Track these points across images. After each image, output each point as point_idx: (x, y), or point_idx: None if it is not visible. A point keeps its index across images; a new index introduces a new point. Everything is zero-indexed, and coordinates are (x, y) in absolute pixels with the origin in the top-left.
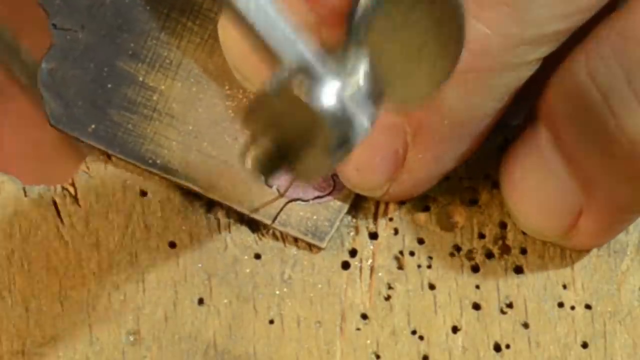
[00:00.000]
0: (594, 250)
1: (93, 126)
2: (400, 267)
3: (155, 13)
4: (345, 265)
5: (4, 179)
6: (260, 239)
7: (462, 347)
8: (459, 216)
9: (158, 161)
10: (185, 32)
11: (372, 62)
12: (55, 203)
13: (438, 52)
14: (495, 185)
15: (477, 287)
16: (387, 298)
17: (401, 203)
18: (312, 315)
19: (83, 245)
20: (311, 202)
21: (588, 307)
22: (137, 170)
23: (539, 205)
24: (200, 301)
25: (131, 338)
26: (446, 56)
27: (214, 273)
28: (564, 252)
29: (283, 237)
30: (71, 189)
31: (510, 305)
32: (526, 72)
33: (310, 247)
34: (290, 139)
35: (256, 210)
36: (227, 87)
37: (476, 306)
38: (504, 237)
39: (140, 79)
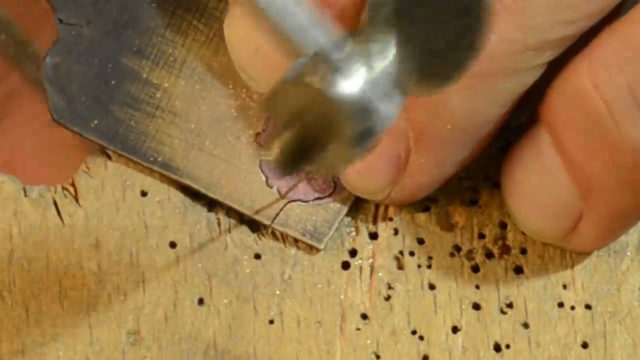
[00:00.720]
0: (594, 251)
1: (95, 122)
2: (400, 267)
3: (161, 10)
4: (345, 265)
5: (4, 179)
6: (260, 239)
7: (462, 347)
8: (459, 216)
9: (159, 159)
10: (190, 30)
11: (397, 47)
12: (55, 203)
13: (463, 34)
14: (495, 185)
15: (477, 287)
16: (387, 298)
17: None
18: (312, 315)
19: (83, 245)
20: (311, 203)
21: (588, 307)
22: (138, 169)
23: (538, 207)
24: (200, 301)
25: (131, 338)
26: (470, 40)
27: (214, 273)
28: (564, 252)
29: (283, 238)
30: (71, 189)
31: (510, 305)
32: (530, 78)
33: (311, 247)
34: (312, 129)
35: (258, 212)
36: (230, 86)
37: (476, 306)
38: (504, 237)
39: (144, 75)
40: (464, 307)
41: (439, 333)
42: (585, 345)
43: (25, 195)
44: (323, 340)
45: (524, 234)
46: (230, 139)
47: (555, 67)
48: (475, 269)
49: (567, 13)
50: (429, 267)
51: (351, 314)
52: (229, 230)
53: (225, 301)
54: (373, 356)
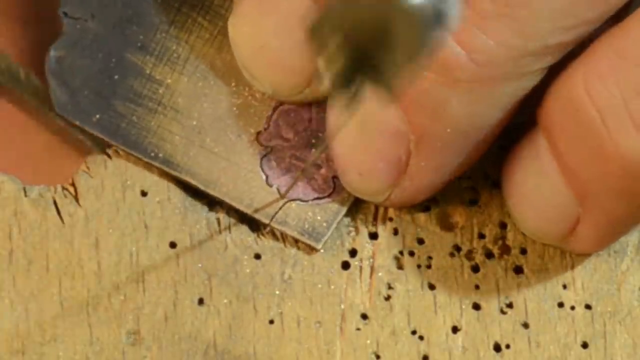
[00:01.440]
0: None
1: (97, 116)
2: (400, 267)
3: (166, 6)
4: (345, 265)
5: (4, 179)
6: (260, 238)
7: (462, 347)
8: (459, 216)
9: (160, 155)
10: (194, 27)
11: None
12: (55, 203)
13: None
14: (495, 185)
15: (477, 287)
16: (387, 298)
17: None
18: (312, 315)
19: (83, 245)
20: (310, 203)
21: (588, 307)
22: (138, 168)
23: (537, 209)
24: (200, 301)
25: (131, 338)
26: None
27: (214, 273)
28: (564, 252)
29: (283, 237)
30: (71, 189)
31: (510, 305)
32: (530, 82)
33: (310, 247)
34: (369, 45)
35: (257, 210)
36: (233, 85)
37: (476, 306)
38: (504, 237)
39: (148, 71)
40: (464, 307)
41: (439, 333)
42: (585, 345)
43: (25, 195)
44: (323, 340)
45: (524, 234)
46: (231, 137)
47: (556, 71)
48: (475, 269)
49: (566, 19)
50: (429, 267)
51: (351, 314)
52: (229, 230)
53: (225, 301)
54: (373, 356)
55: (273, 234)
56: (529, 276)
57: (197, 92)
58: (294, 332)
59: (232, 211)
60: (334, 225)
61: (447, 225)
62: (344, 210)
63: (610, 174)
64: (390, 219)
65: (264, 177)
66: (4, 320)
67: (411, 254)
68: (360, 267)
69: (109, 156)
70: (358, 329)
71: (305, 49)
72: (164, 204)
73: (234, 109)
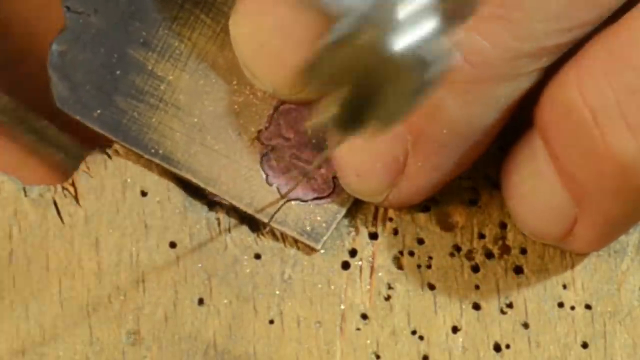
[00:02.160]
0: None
1: (99, 111)
2: (400, 267)
3: (169, 3)
4: (345, 265)
5: (4, 179)
6: (260, 239)
7: (462, 347)
8: (459, 216)
9: (160, 151)
10: (197, 24)
11: None
12: (55, 203)
13: None
14: (495, 185)
15: (477, 287)
16: (387, 298)
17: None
18: (312, 315)
19: (83, 245)
20: (310, 203)
21: (588, 307)
22: (138, 167)
23: (535, 211)
24: (200, 301)
25: (131, 338)
26: None
27: (214, 273)
28: (564, 252)
29: (283, 237)
30: (71, 189)
31: (510, 305)
32: (526, 83)
33: (310, 247)
34: (363, 89)
35: (260, 211)
36: (235, 83)
37: (476, 306)
38: (504, 237)
39: (150, 67)
40: (464, 307)
41: (439, 333)
42: (585, 345)
43: (25, 195)
44: (323, 340)
45: (524, 234)
46: (232, 135)
47: (553, 71)
48: (475, 269)
49: (563, 21)
50: (429, 267)
51: (351, 314)
52: (229, 230)
53: (225, 301)
54: (373, 356)
55: (273, 234)
56: (529, 276)
57: (198, 90)
58: (294, 332)
59: (232, 211)
60: (334, 226)
61: (447, 225)
62: (343, 210)
63: (604, 174)
64: (390, 219)
65: (264, 176)
66: (4, 320)
67: (411, 254)
68: (360, 267)
69: (108, 156)
70: (358, 329)
71: (307, 49)
72: (164, 204)
73: (235, 107)
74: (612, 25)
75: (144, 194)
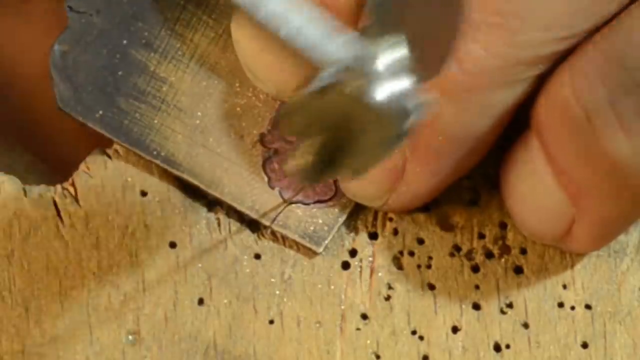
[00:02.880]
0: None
1: (100, 112)
2: (400, 267)
3: (172, 4)
4: (345, 265)
5: (4, 179)
6: (260, 239)
7: (462, 347)
8: (459, 216)
9: (162, 153)
10: (200, 26)
11: (403, 42)
12: (55, 203)
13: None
14: (495, 185)
15: (477, 287)
16: (387, 298)
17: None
18: (312, 315)
19: (83, 245)
20: (311, 206)
21: (588, 307)
22: (138, 168)
23: (533, 211)
24: (200, 301)
25: (131, 338)
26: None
27: (214, 273)
28: (564, 252)
29: (283, 238)
30: (71, 189)
31: (510, 305)
32: (522, 90)
33: (311, 250)
34: (338, 137)
35: (263, 215)
36: (237, 85)
37: (476, 306)
38: (504, 237)
39: (152, 68)
40: (464, 307)
41: (439, 333)
42: (585, 345)
43: (25, 195)
44: (323, 340)
45: (524, 234)
46: (234, 137)
47: (548, 74)
48: (475, 269)
49: (559, 31)
50: (429, 267)
51: (351, 314)
52: (229, 230)
53: (225, 301)
54: (373, 356)
55: (273, 234)
56: (529, 276)
57: (200, 91)
58: (294, 332)
59: (232, 211)
60: (335, 230)
61: (447, 225)
62: (345, 214)
63: (600, 174)
64: (390, 219)
65: (265, 179)
66: (4, 320)
67: (411, 254)
68: (360, 267)
69: (108, 156)
70: (358, 329)
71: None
72: (164, 204)
73: (238, 109)
74: (606, 26)
75: (144, 194)
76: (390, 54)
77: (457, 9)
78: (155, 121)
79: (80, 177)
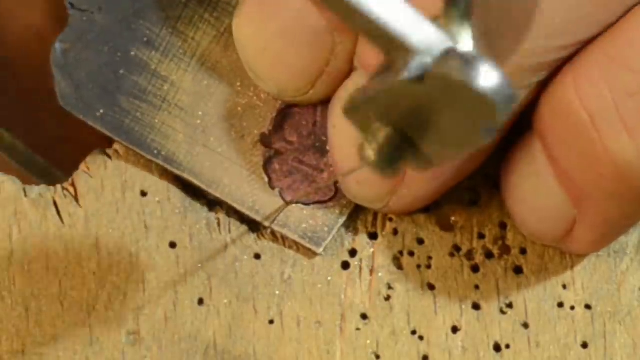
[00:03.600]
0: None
1: (102, 111)
2: (400, 267)
3: (173, 2)
4: (345, 265)
5: (4, 179)
6: (260, 239)
7: (462, 347)
8: (459, 216)
9: (163, 152)
10: (201, 24)
11: (473, 30)
12: (55, 203)
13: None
14: (495, 185)
15: (477, 287)
16: (387, 298)
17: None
18: (312, 315)
19: (83, 245)
20: (312, 206)
21: (588, 307)
22: (138, 168)
23: (533, 211)
24: (200, 301)
25: (131, 338)
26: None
27: (214, 273)
28: (564, 252)
29: (283, 238)
30: (71, 189)
31: (510, 305)
32: (524, 95)
33: (311, 251)
34: (418, 125)
35: (265, 218)
36: (238, 84)
37: (476, 306)
38: (504, 237)
39: (153, 67)
40: (464, 307)
41: (439, 333)
42: (585, 345)
43: (25, 195)
44: (323, 340)
45: (524, 234)
46: (235, 137)
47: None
48: (475, 269)
49: (562, 39)
50: (429, 267)
51: (351, 314)
52: (229, 230)
53: (225, 301)
54: (373, 356)
55: (273, 234)
56: (529, 276)
57: (202, 91)
58: (294, 332)
59: (232, 211)
60: (335, 230)
61: (447, 225)
62: (345, 215)
63: (603, 177)
64: (390, 220)
65: (266, 179)
66: (4, 320)
67: (411, 254)
68: (360, 267)
69: (109, 156)
70: (358, 329)
71: (310, 50)
72: (164, 204)
73: (239, 109)
74: (610, 28)
75: (144, 194)
76: (474, 42)
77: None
78: (156, 120)
79: (80, 177)
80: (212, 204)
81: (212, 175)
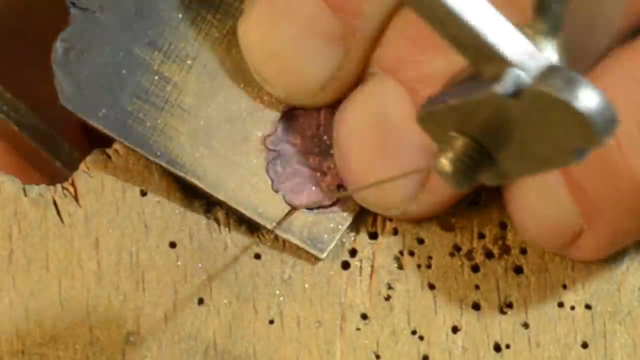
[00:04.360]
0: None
1: (104, 111)
2: (400, 267)
3: (176, 2)
4: (345, 265)
5: (4, 179)
6: (260, 239)
7: (462, 347)
8: (459, 216)
9: (166, 154)
10: (204, 25)
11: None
12: (55, 203)
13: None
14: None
15: (477, 287)
16: (387, 298)
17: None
18: (312, 315)
19: (83, 245)
20: (315, 211)
21: (588, 307)
22: (138, 169)
23: (538, 220)
24: (200, 301)
25: (131, 338)
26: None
27: (214, 273)
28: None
29: (284, 244)
30: (71, 189)
31: (510, 305)
32: None
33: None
34: (499, 140)
35: (278, 224)
36: (242, 86)
37: (476, 306)
38: (504, 237)
39: (155, 67)
40: (464, 307)
41: (439, 333)
42: (585, 345)
43: (25, 195)
44: (323, 340)
45: None
46: (238, 139)
47: None
48: (475, 268)
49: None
50: (429, 267)
51: (351, 314)
52: (229, 230)
53: (225, 301)
54: (373, 356)
55: (274, 234)
56: (529, 276)
57: (204, 92)
58: (294, 332)
59: (232, 211)
60: (338, 236)
61: (447, 225)
62: (349, 220)
63: (622, 192)
64: (390, 219)
65: (269, 181)
66: (4, 320)
67: (411, 254)
68: (360, 267)
69: (109, 156)
70: (358, 329)
71: (322, 56)
72: (164, 204)
73: (242, 111)
74: (631, 46)
75: (143, 194)
76: (559, 56)
77: (614, 13)
78: (159, 121)
79: (80, 177)
80: (212, 204)
81: (215, 177)
